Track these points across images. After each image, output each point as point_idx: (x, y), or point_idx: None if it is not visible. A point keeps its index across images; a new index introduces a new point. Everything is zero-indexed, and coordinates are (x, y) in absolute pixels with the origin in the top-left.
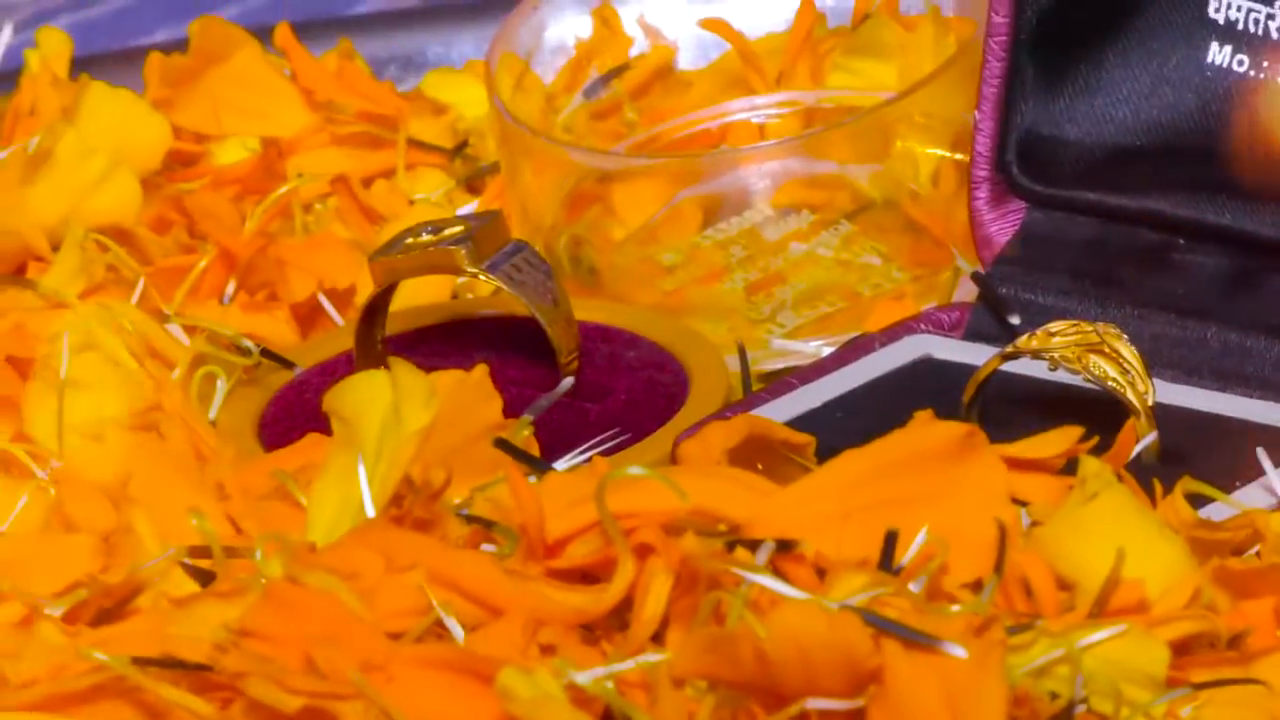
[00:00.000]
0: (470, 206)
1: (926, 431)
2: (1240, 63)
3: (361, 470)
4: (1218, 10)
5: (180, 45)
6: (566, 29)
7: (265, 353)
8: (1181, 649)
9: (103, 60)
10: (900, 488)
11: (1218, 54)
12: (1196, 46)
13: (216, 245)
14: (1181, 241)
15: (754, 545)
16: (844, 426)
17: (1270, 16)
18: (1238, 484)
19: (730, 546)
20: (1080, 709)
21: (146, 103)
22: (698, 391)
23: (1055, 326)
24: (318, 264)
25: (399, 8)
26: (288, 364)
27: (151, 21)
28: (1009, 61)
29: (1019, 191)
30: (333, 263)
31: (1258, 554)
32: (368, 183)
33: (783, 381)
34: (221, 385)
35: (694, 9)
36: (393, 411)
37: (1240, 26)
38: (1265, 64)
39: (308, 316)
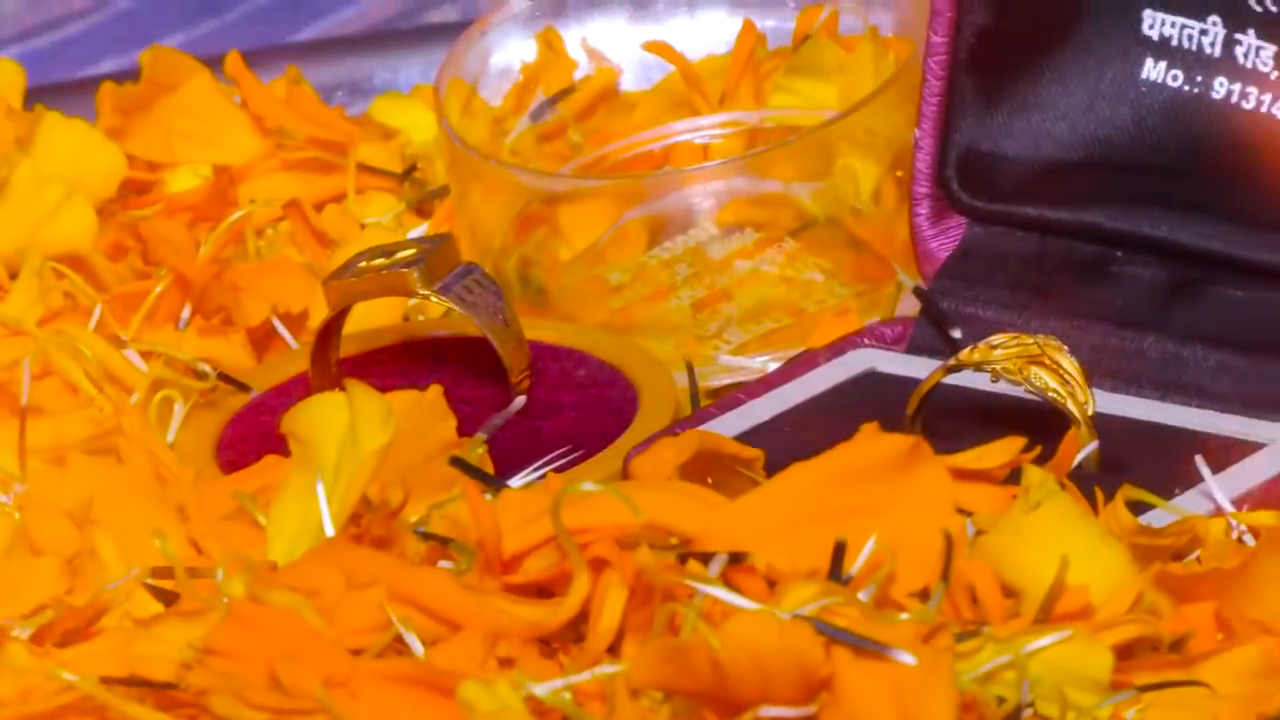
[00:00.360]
0: (420, 229)
1: (873, 443)
2: (1174, 78)
3: (320, 490)
4: (1151, 27)
5: (127, 75)
6: (512, 53)
7: (222, 376)
8: (1125, 653)
9: (49, 91)
10: (848, 499)
11: (1152, 70)
12: (1131, 63)
13: (172, 271)
14: (1119, 254)
15: (706, 558)
16: (791, 440)
17: (1203, 32)
18: (1177, 491)
19: (682, 559)
20: (1027, 713)
21: (100, 132)
22: (647, 408)
23: (996, 339)
24: (271, 288)
25: (344, 34)
26: (244, 387)
27: (97, 52)
28: (948, 80)
29: (959, 207)
30: (286, 287)
31: (1198, 559)
32: (318, 207)
33: (730, 397)
34: (179, 409)
35: (636, 32)
36: (350, 432)
37: (1174, 43)
38: (1199, 78)
39: (262, 340)
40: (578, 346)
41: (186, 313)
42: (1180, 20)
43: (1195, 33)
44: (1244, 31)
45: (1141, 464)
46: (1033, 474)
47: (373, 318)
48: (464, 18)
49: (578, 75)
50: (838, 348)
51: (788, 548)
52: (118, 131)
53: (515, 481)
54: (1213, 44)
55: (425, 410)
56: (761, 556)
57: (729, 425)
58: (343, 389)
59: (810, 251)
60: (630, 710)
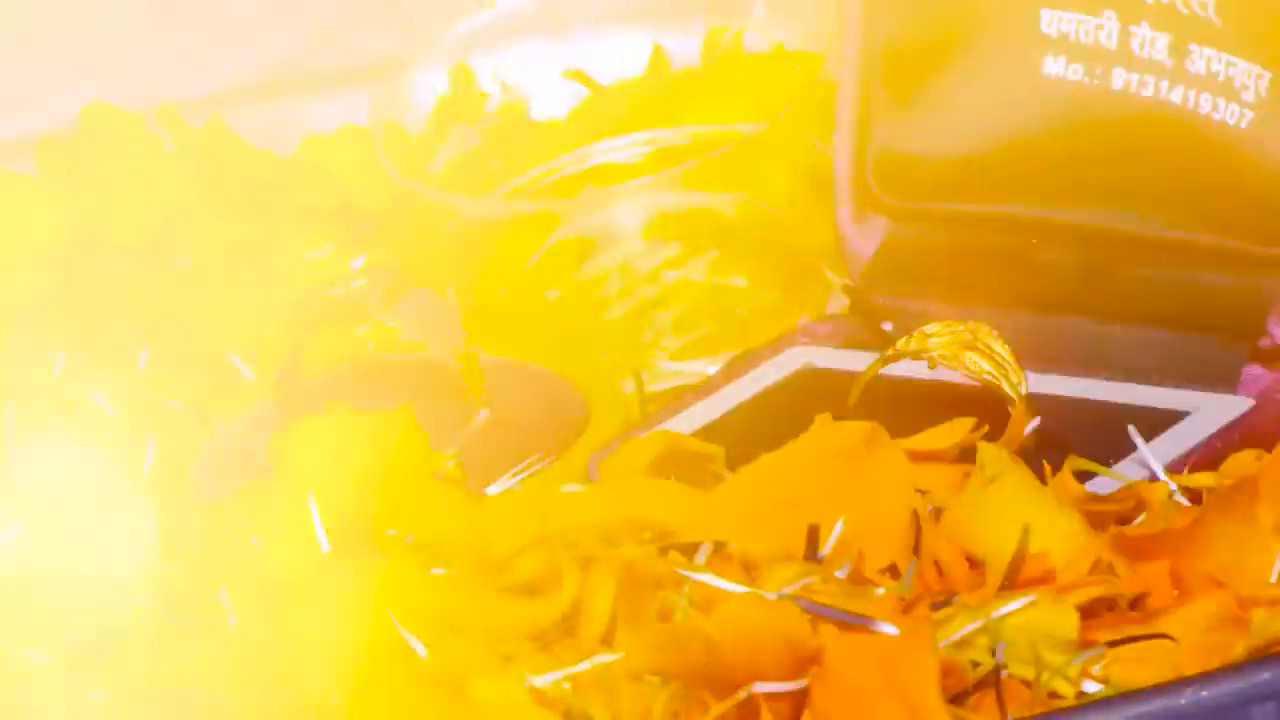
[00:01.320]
0: (358, 261)
1: (832, 432)
2: (1075, 71)
3: (314, 508)
4: (1050, 25)
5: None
6: (433, 88)
7: (188, 412)
8: (1088, 613)
9: None
10: (813, 485)
11: (1053, 65)
12: (1034, 60)
13: (128, 315)
14: (1035, 241)
15: (686, 548)
16: (743, 435)
17: (1099, 26)
18: (1112, 461)
19: (663, 551)
20: (1002, 674)
21: (44, 185)
22: (599, 415)
23: (930, 328)
24: (225, 326)
25: (251, 80)
26: (210, 421)
27: None
28: (861, 88)
29: (879, 207)
30: (239, 323)
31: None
32: (259, 246)
33: (679, 400)
34: (152, 444)
35: (550, 62)
36: (336, 453)
37: (1072, 38)
38: (1098, 71)
39: (221, 376)
40: (526, 361)
41: (145, 354)
42: (1077, 17)
43: (1091, 27)
44: (1138, 24)
45: (1076, 437)
46: (986, 451)
47: (327, 346)
48: (355, 62)
49: (490, 106)
50: (775, 347)
51: (762, 534)
52: (59, 184)
53: (492, 490)
54: (1109, 37)
55: (397, 429)
56: (738, 543)
57: (683, 425)
58: (308, 415)
59: (735, 258)
60: (631, 695)
